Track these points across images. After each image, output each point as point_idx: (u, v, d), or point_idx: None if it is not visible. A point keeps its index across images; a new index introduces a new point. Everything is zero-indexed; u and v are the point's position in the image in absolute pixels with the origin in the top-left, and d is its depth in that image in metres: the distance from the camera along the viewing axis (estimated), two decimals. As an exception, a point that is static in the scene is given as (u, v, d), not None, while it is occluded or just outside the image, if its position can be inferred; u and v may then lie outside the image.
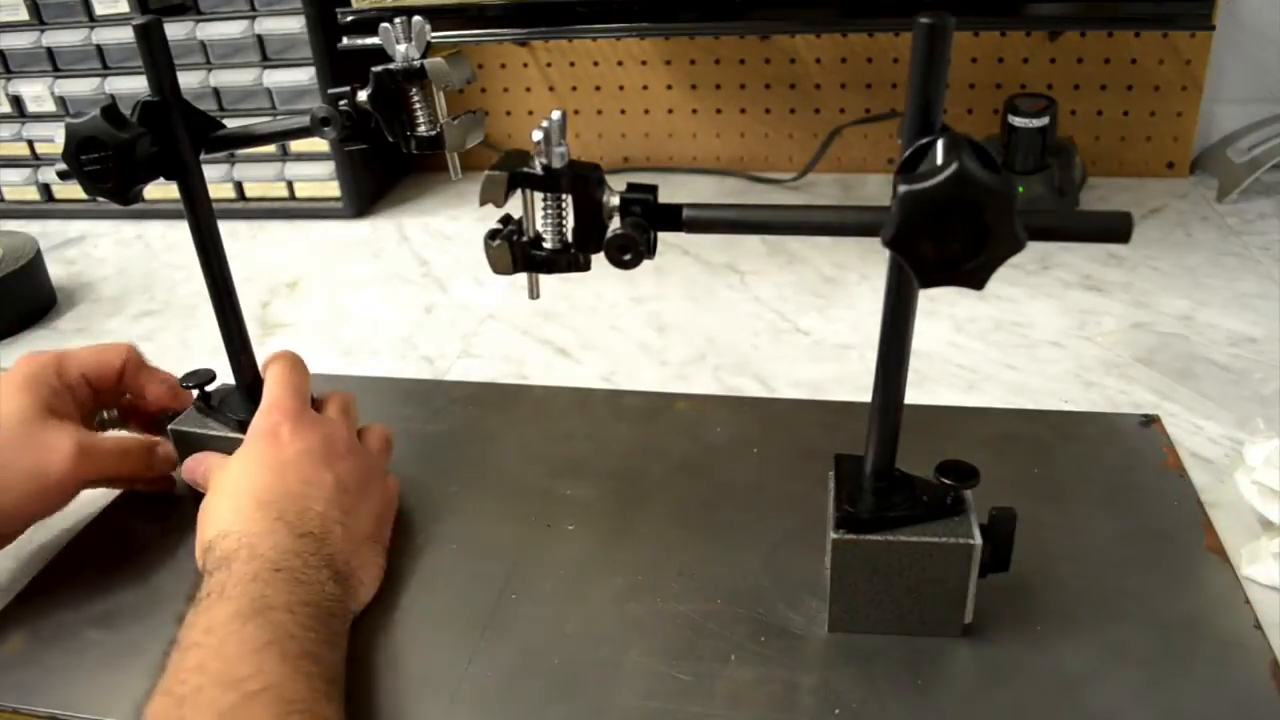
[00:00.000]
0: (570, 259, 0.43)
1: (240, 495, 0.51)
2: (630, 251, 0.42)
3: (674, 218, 0.42)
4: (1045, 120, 0.94)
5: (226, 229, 1.09)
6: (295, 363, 0.60)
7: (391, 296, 0.92)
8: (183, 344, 0.85)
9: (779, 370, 0.74)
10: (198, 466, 0.60)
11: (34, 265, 0.90)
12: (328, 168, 1.07)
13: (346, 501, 0.53)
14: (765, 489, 0.60)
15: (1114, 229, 0.39)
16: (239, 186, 1.11)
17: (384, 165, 1.17)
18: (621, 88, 1.15)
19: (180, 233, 1.10)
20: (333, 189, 1.09)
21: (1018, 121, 0.94)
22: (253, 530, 0.48)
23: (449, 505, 0.60)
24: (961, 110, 1.08)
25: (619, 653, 0.49)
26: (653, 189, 0.42)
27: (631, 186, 0.42)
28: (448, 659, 0.49)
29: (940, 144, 0.37)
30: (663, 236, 0.43)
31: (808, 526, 0.54)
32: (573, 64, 1.15)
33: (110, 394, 0.62)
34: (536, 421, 0.69)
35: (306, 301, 0.92)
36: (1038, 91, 0.99)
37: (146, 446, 0.60)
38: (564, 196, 0.42)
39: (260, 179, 1.10)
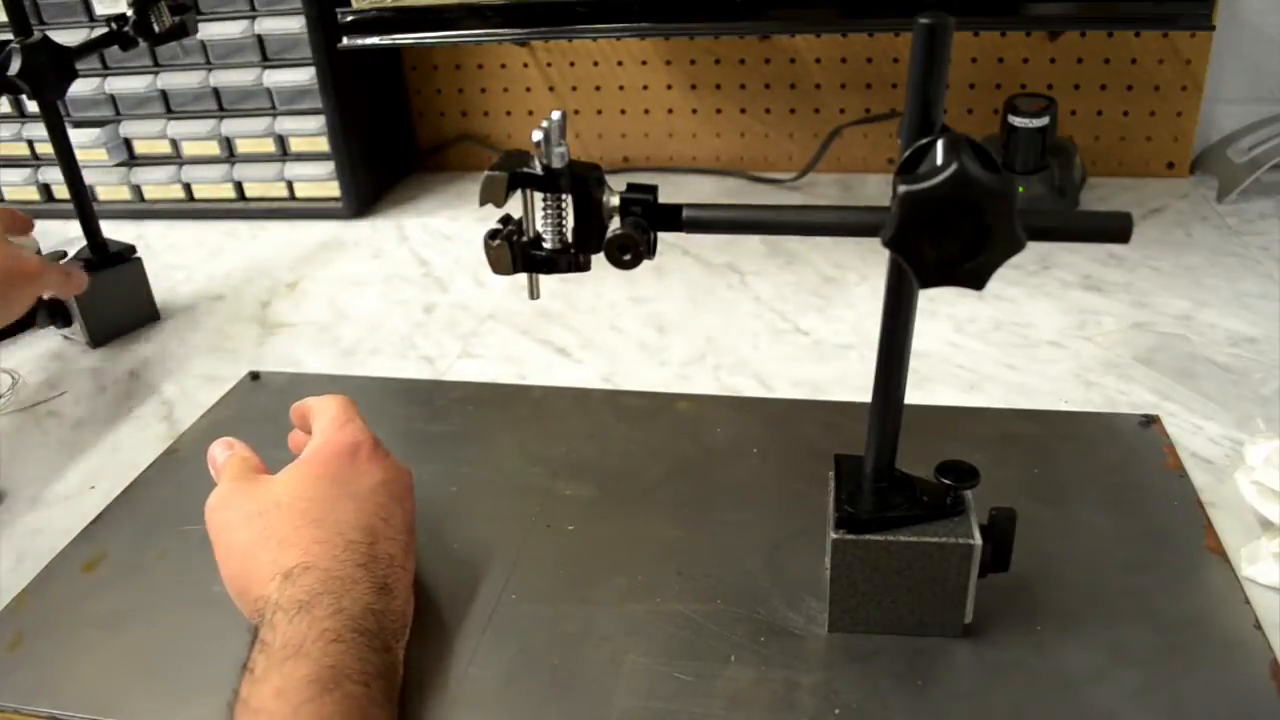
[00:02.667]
0: (570, 259, 0.43)
1: (323, 522, 0.47)
2: (630, 252, 0.42)
3: (674, 218, 0.42)
4: (1045, 120, 0.94)
5: (226, 229, 1.10)
6: (342, 399, 0.57)
7: (391, 296, 0.92)
8: (183, 344, 0.85)
9: (779, 370, 0.74)
10: (231, 457, 0.54)
11: (34, 265, 0.90)
12: (328, 168, 1.07)
13: (408, 543, 0.50)
14: (765, 489, 0.60)
15: (1114, 229, 0.39)
16: (239, 186, 1.11)
17: (384, 165, 1.18)
18: (621, 88, 1.15)
19: (180, 233, 1.10)
20: (333, 189, 1.09)
21: (1018, 121, 0.94)
22: (336, 573, 0.44)
23: (449, 505, 0.60)
24: (961, 110, 1.08)
25: (619, 653, 0.49)
26: (653, 189, 0.42)
27: (631, 186, 0.42)
28: (448, 659, 0.49)
29: (940, 144, 0.37)
30: (663, 236, 0.43)
31: (808, 526, 0.54)
32: (573, 64, 1.15)
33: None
34: (536, 421, 0.69)
35: (306, 301, 0.92)
36: (1038, 91, 0.99)
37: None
38: (564, 197, 0.42)
39: (260, 179, 1.10)
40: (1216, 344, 0.74)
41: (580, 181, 0.41)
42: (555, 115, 0.41)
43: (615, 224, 0.42)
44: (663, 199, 0.42)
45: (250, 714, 0.39)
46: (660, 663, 0.48)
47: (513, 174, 0.41)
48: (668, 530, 0.57)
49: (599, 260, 0.43)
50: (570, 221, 0.43)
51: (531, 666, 0.48)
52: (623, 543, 0.56)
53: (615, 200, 0.42)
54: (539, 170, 0.41)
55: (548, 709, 0.46)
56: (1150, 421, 0.64)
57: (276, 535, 0.46)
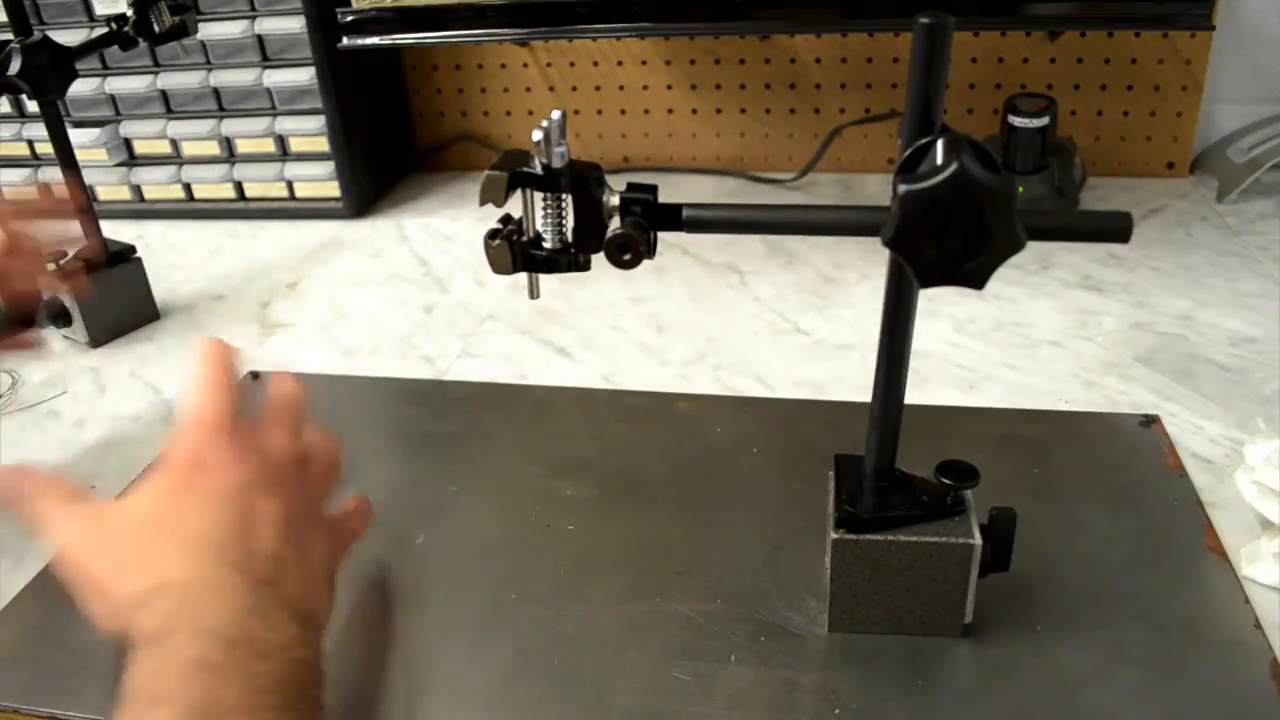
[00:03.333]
0: (570, 259, 0.43)
1: (174, 533, 0.41)
2: (630, 251, 0.42)
3: (674, 218, 0.42)
4: (1045, 120, 0.94)
5: (226, 229, 1.10)
6: (219, 360, 0.48)
7: (391, 296, 0.91)
8: (183, 344, 0.85)
9: (779, 370, 0.74)
10: (25, 493, 0.45)
11: (34, 265, 0.91)
12: (328, 168, 1.07)
13: (298, 535, 0.44)
14: (765, 489, 0.60)
15: (1114, 229, 0.39)
16: (239, 186, 1.11)
17: (384, 165, 1.17)
18: (621, 88, 1.15)
19: (180, 233, 1.10)
20: (333, 189, 1.09)
21: (1018, 121, 0.94)
22: (196, 581, 0.39)
23: (449, 505, 0.60)
24: (961, 110, 1.08)
25: (619, 653, 0.49)
26: (653, 189, 0.42)
27: (631, 186, 0.42)
28: (448, 659, 0.49)
29: (940, 144, 0.37)
30: (663, 236, 0.43)
31: (808, 526, 0.54)
32: (573, 64, 1.15)
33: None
34: (536, 421, 0.69)
35: (306, 301, 0.92)
36: (1038, 91, 0.99)
37: None
38: (564, 196, 0.42)
39: (260, 179, 1.10)
40: (1216, 344, 0.74)
41: (580, 181, 0.41)
42: (555, 115, 0.41)
43: (615, 224, 0.42)
44: (663, 199, 0.42)
45: None
46: (660, 663, 0.48)
47: (513, 174, 0.41)
48: (668, 530, 0.57)
49: (599, 260, 0.43)
50: (570, 221, 0.43)
51: (531, 666, 0.48)
52: (623, 543, 0.56)
53: (615, 200, 0.42)
54: (539, 170, 0.41)
55: (548, 709, 0.46)
56: (1150, 421, 0.64)
57: (126, 561, 0.41)
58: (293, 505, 0.45)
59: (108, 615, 0.41)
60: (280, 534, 0.43)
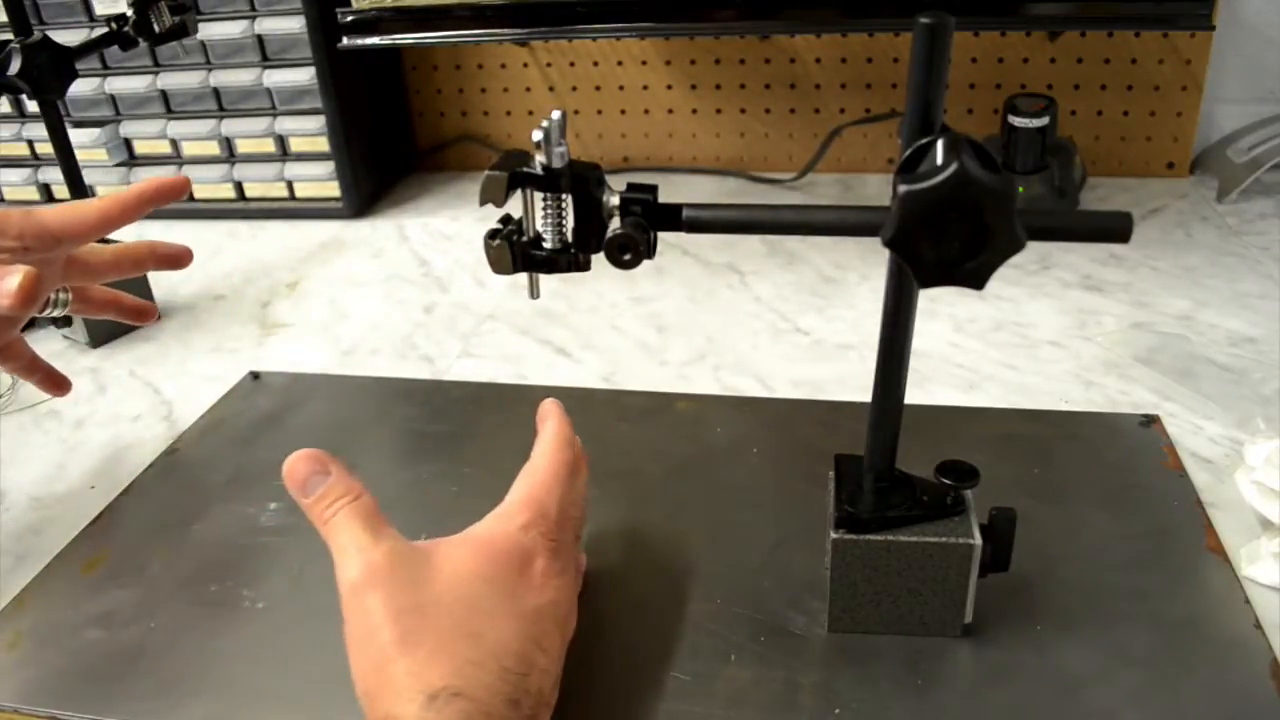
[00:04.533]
0: (570, 259, 0.43)
1: (481, 640, 0.39)
2: (630, 251, 0.42)
3: (674, 218, 0.42)
4: (1045, 120, 0.94)
5: (226, 229, 1.10)
6: (567, 437, 0.48)
7: (391, 296, 0.92)
8: (183, 344, 0.85)
9: (779, 370, 0.74)
10: (352, 506, 0.45)
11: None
12: (328, 168, 1.07)
13: (558, 677, 0.43)
14: (765, 489, 0.60)
15: (1114, 229, 0.39)
16: (239, 187, 1.11)
17: (384, 165, 1.17)
18: (621, 88, 1.15)
19: (180, 233, 1.10)
20: (333, 189, 1.09)
21: (1018, 121, 0.94)
22: (485, 707, 0.37)
23: (449, 505, 0.60)
24: (961, 110, 1.08)
25: (619, 653, 0.49)
26: (653, 189, 0.42)
27: (631, 186, 0.42)
28: (448, 659, 0.49)
29: (940, 144, 0.37)
30: (663, 236, 0.43)
31: (808, 526, 0.54)
32: (573, 64, 1.15)
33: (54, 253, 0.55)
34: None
35: (306, 301, 0.92)
36: (1038, 91, 0.99)
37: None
38: (564, 196, 0.42)
39: (260, 179, 1.10)
40: (1216, 344, 0.74)
41: (580, 181, 0.41)
42: (555, 115, 0.41)
43: (615, 224, 0.42)
44: (663, 199, 0.42)
45: None
46: (660, 663, 0.48)
47: (513, 174, 0.41)
48: (668, 530, 0.57)
49: (599, 260, 0.43)
50: (570, 221, 0.43)
51: (531, 666, 0.48)
52: (623, 542, 0.56)
53: (615, 200, 0.42)
54: (539, 170, 0.41)
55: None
56: (1150, 421, 0.64)
57: (426, 643, 0.39)
58: (566, 642, 0.44)
59: (373, 675, 0.39)
60: (550, 676, 0.41)
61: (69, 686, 0.49)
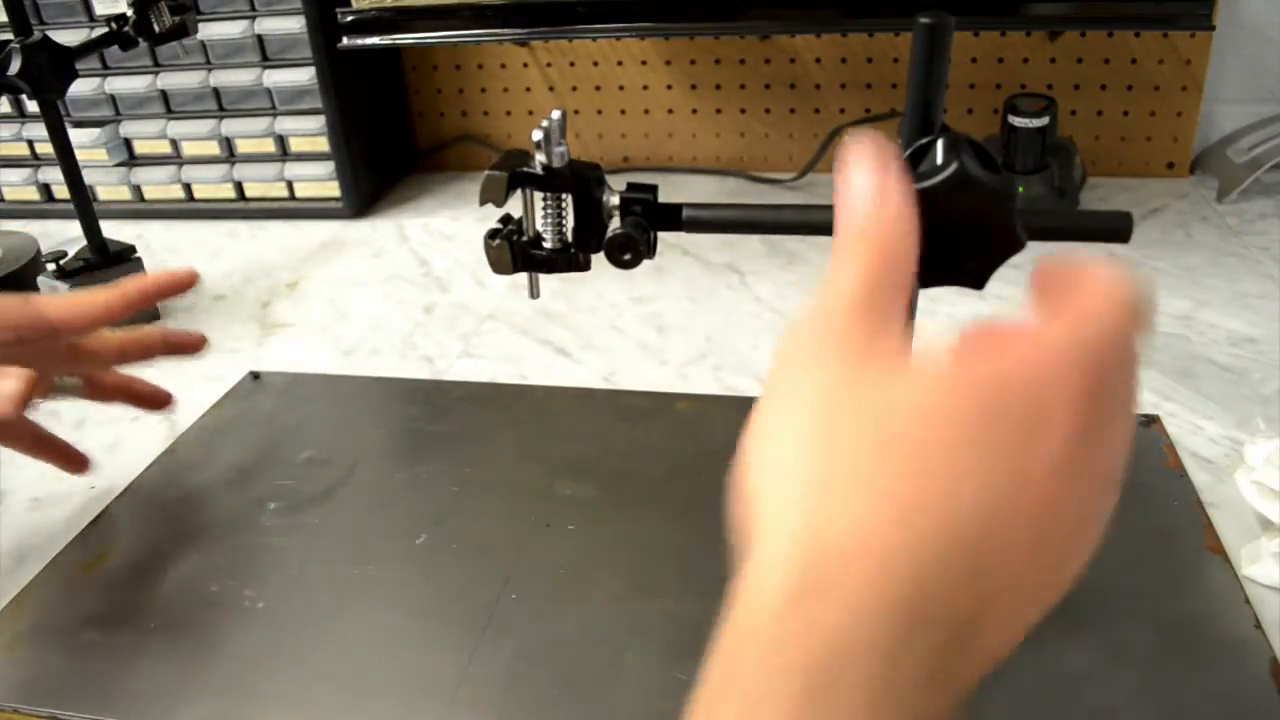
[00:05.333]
0: (570, 259, 0.43)
1: (931, 481, 0.25)
2: (630, 251, 0.42)
3: (674, 218, 0.42)
4: (1045, 120, 0.94)
5: (226, 229, 1.10)
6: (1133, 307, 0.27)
7: (391, 296, 0.91)
8: (183, 344, 0.85)
9: (779, 370, 0.74)
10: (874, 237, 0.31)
11: (34, 265, 0.90)
12: (328, 168, 1.07)
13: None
14: (765, 489, 0.60)
15: (1114, 229, 0.39)
16: (239, 186, 1.11)
17: (384, 165, 1.18)
18: (621, 88, 1.15)
19: (180, 233, 1.10)
20: (333, 189, 1.09)
21: (1018, 121, 0.94)
22: (901, 566, 0.24)
23: (449, 505, 0.60)
24: (961, 110, 1.08)
25: (619, 653, 0.49)
26: (653, 189, 0.42)
27: (631, 186, 0.42)
28: (448, 659, 0.49)
29: (940, 144, 0.37)
30: (663, 236, 0.43)
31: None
32: (573, 64, 1.15)
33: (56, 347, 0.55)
34: (536, 421, 0.69)
35: (306, 301, 0.91)
36: (1038, 91, 0.99)
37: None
38: (564, 196, 0.42)
39: (260, 179, 1.10)
40: (1216, 344, 0.74)
41: (580, 181, 0.41)
42: (555, 115, 0.41)
43: (615, 224, 0.42)
44: (663, 199, 0.42)
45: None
46: (660, 663, 0.48)
47: (512, 173, 0.41)
48: (668, 530, 0.57)
49: (599, 260, 0.44)
50: (570, 221, 0.43)
51: (531, 666, 0.48)
52: (623, 543, 0.56)
53: (615, 200, 0.42)
54: (539, 170, 0.41)
55: (548, 709, 0.46)
56: (1150, 421, 0.64)
57: (837, 471, 0.26)
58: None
59: (749, 495, 0.29)
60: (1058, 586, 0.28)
61: (69, 686, 0.49)
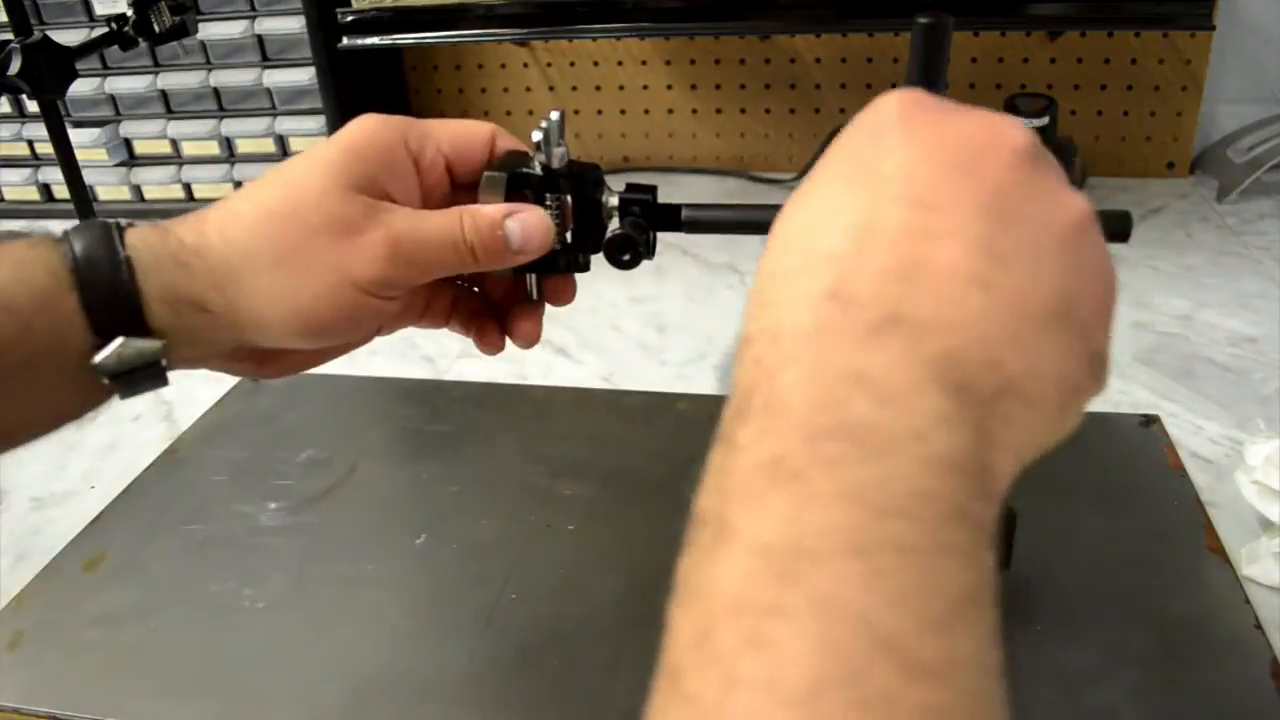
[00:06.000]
0: (570, 259, 0.43)
1: (791, 250, 0.27)
2: (629, 251, 0.41)
3: (673, 218, 0.42)
4: (1045, 120, 0.94)
5: (226, 229, 1.10)
6: None
7: (391, 296, 0.91)
8: (183, 344, 0.85)
9: (779, 370, 0.74)
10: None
11: (34, 265, 0.91)
12: (328, 168, 1.07)
13: (1005, 246, 0.25)
14: (765, 489, 0.60)
15: (1113, 228, 0.39)
16: (239, 186, 1.11)
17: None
18: (621, 88, 1.15)
19: (180, 233, 1.10)
20: (333, 189, 1.09)
21: (1018, 121, 0.94)
22: (792, 326, 0.24)
23: (449, 505, 0.60)
24: (961, 110, 1.08)
25: (619, 653, 0.49)
26: (652, 189, 0.42)
27: (631, 187, 0.42)
28: (448, 659, 0.49)
29: None
30: (662, 236, 0.43)
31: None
32: (573, 64, 1.15)
33: (465, 182, 0.41)
34: (536, 421, 0.69)
35: (306, 301, 0.91)
36: (1038, 91, 0.99)
37: (489, 226, 0.38)
38: (563, 197, 0.42)
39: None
40: (1216, 344, 0.74)
41: (579, 181, 0.41)
42: (554, 115, 0.40)
43: (615, 224, 0.42)
44: (663, 199, 0.42)
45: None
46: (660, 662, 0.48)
47: (511, 174, 0.41)
48: (668, 530, 0.57)
49: (599, 260, 0.43)
50: (570, 222, 0.43)
51: (531, 666, 0.48)
52: (623, 543, 0.56)
53: (614, 200, 0.42)
54: (538, 171, 0.41)
55: (548, 709, 0.46)
56: (1150, 421, 0.64)
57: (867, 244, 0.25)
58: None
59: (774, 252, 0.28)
60: (991, 242, 0.25)
61: (69, 686, 0.49)
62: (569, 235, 0.42)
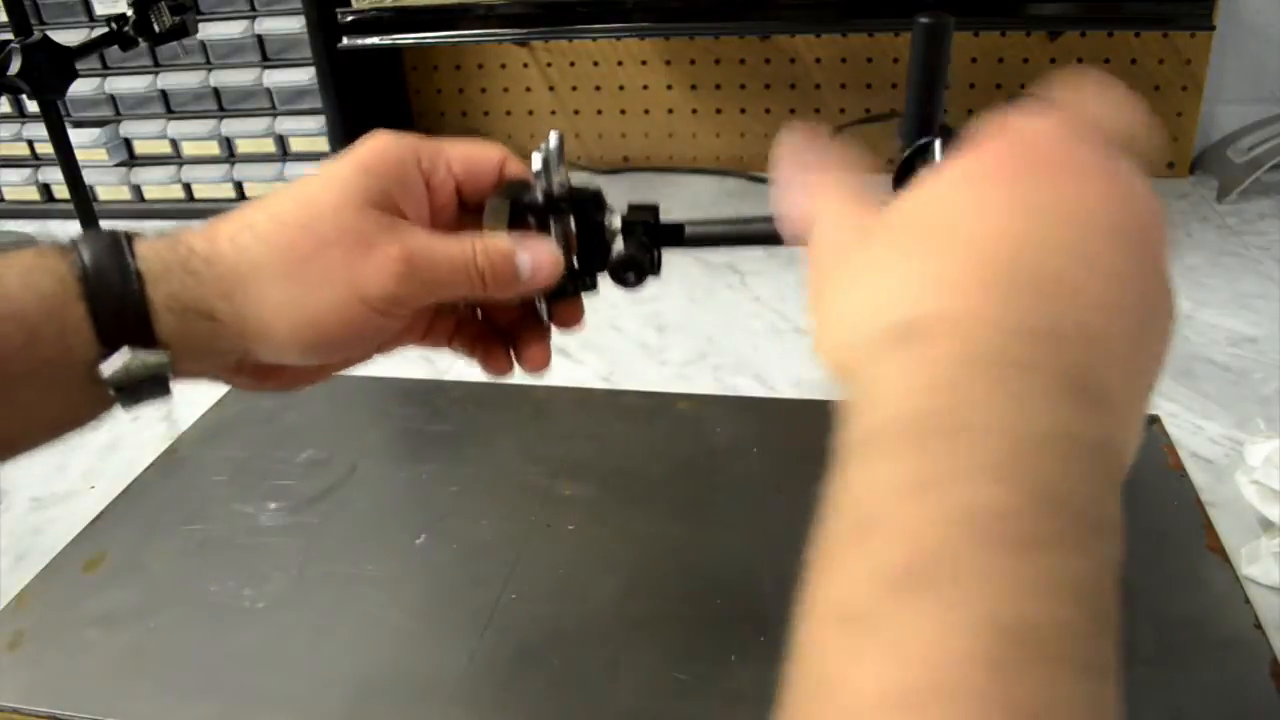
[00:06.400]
0: (577, 283, 0.43)
1: (951, 251, 0.25)
2: (634, 271, 0.42)
3: (677, 236, 0.42)
4: (1045, 120, 0.94)
5: (226, 229, 1.10)
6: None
7: (391, 296, 0.91)
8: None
9: (779, 370, 0.74)
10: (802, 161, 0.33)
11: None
12: (328, 168, 1.07)
13: (1144, 332, 0.26)
14: (765, 489, 0.60)
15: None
16: (239, 186, 1.11)
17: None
18: (621, 88, 1.15)
19: (180, 233, 1.10)
20: (333, 189, 1.09)
21: (1018, 121, 0.94)
22: (981, 332, 0.24)
23: (449, 505, 0.60)
24: (961, 110, 1.08)
25: (619, 653, 0.49)
26: (654, 208, 0.42)
27: (633, 207, 0.43)
28: (448, 659, 0.49)
29: (938, 144, 0.37)
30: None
31: (808, 526, 0.54)
32: (573, 64, 1.15)
33: (474, 203, 0.41)
34: (537, 421, 0.69)
35: (306, 301, 0.91)
36: (1038, 91, 0.99)
37: (501, 256, 0.38)
38: (567, 221, 0.42)
39: (260, 179, 1.10)
40: (1216, 344, 0.74)
41: (582, 205, 0.41)
42: (553, 140, 0.40)
43: (619, 245, 0.42)
44: (663, 199, 0.42)
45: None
46: (660, 663, 0.48)
47: (515, 201, 0.41)
48: (668, 530, 0.57)
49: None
50: (575, 246, 0.43)
51: (531, 666, 0.48)
52: (623, 543, 0.56)
53: (617, 222, 0.42)
54: (540, 198, 0.41)
55: (548, 709, 0.46)
56: (1150, 421, 0.64)
57: (870, 273, 0.27)
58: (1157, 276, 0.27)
59: (829, 347, 0.28)
60: (1136, 324, 0.25)
61: (69, 686, 0.49)
62: (575, 259, 0.42)
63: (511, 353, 0.44)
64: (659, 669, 0.47)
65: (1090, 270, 0.24)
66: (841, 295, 0.28)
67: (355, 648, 0.50)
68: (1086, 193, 0.26)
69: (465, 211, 0.41)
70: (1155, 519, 0.55)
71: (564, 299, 0.43)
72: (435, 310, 0.42)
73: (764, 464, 0.62)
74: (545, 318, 0.43)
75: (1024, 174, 0.26)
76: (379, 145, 0.38)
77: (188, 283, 0.35)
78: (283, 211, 0.36)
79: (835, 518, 0.24)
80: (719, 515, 0.58)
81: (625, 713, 0.46)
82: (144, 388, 0.34)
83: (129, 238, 0.35)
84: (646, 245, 0.42)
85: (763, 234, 0.43)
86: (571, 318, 0.44)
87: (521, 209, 0.41)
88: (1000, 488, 0.21)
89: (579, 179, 0.40)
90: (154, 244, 0.35)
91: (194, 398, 0.75)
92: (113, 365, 0.33)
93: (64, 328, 0.33)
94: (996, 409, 0.22)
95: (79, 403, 0.35)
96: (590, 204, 0.41)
